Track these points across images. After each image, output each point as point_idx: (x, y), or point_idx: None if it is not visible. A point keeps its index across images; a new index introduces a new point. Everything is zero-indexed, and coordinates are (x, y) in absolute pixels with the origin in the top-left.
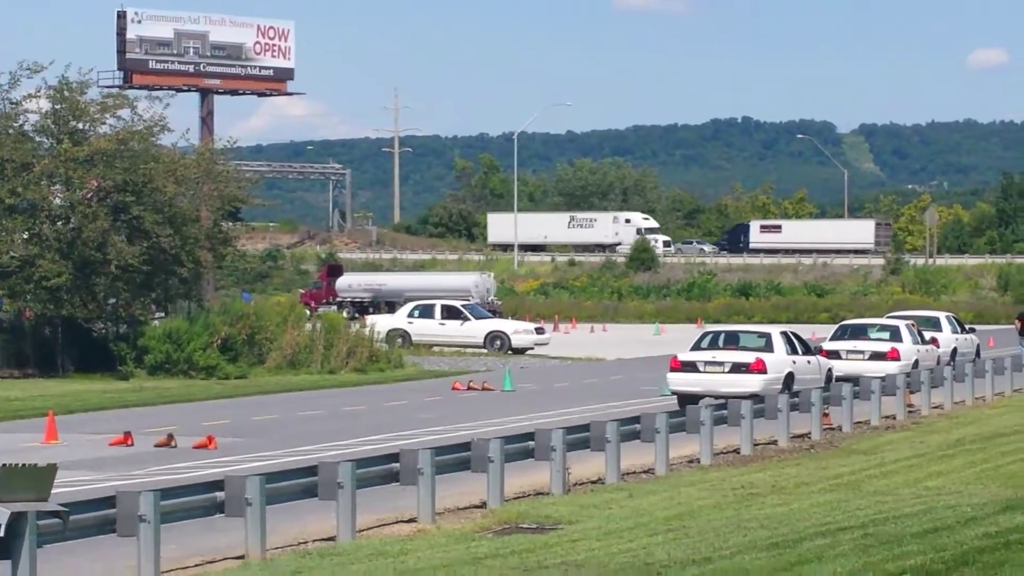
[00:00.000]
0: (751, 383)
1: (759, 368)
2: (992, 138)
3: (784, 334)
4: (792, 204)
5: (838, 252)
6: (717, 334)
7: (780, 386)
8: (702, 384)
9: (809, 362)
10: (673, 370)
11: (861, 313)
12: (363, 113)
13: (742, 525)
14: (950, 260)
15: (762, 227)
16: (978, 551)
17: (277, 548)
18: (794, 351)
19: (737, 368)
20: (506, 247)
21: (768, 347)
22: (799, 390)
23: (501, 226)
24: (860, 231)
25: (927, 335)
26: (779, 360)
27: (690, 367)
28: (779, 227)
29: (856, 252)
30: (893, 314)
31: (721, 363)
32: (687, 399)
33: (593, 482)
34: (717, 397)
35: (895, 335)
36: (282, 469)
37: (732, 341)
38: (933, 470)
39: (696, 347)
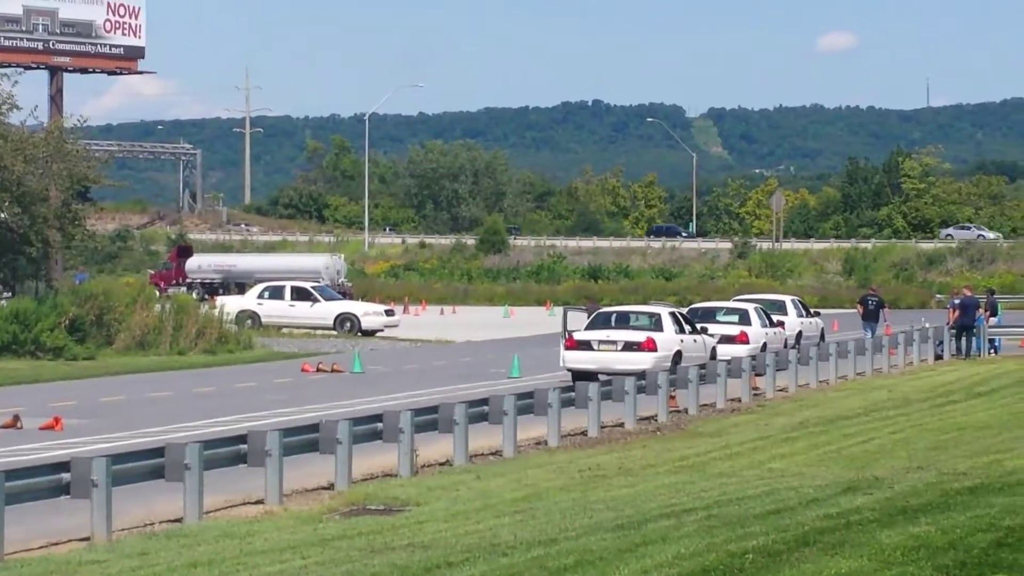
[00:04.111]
0: (643, 360)
1: (650, 346)
2: (838, 123)
3: (672, 314)
4: (642, 188)
5: None
6: (609, 314)
7: (669, 364)
8: (596, 362)
9: (695, 340)
10: (568, 348)
11: (708, 296)
12: (214, 93)
13: (588, 507)
14: (796, 244)
15: None
16: (819, 531)
17: (123, 530)
18: (682, 330)
19: (629, 346)
20: None
21: (658, 326)
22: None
23: None
24: None
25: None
26: (668, 339)
27: (585, 346)
28: None
29: None
30: (740, 297)
31: (614, 342)
32: (581, 376)
33: (441, 464)
34: (610, 374)
35: (744, 318)
36: (129, 451)
37: (624, 321)
38: (777, 452)
39: (590, 327)
